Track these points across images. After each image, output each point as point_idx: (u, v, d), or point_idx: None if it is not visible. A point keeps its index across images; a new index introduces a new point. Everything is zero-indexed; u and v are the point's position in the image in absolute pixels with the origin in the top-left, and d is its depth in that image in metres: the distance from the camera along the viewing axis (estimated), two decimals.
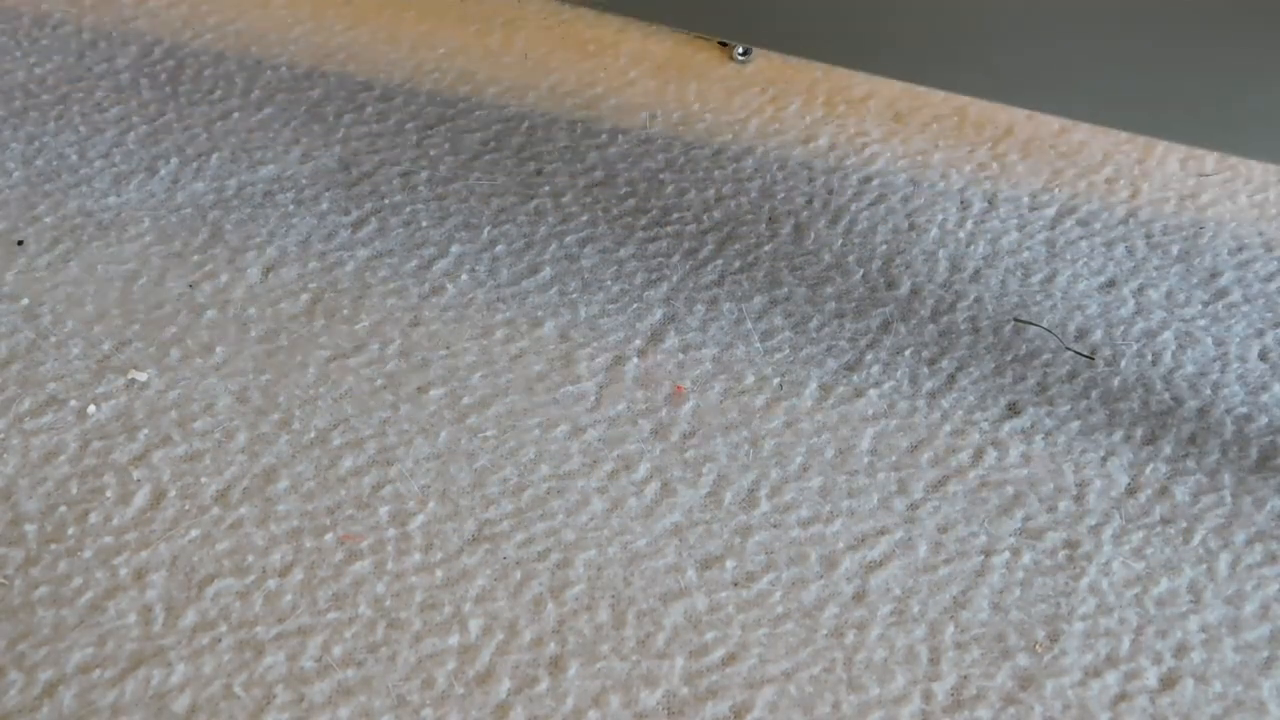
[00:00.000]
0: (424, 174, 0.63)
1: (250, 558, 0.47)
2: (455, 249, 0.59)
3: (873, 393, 0.54)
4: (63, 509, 0.49)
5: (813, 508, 0.50)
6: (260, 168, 0.63)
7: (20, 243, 0.59)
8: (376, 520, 0.49)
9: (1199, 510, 0.50)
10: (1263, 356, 0.56)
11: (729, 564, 0.48)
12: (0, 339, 0.55)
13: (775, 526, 0.49)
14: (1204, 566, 0.48)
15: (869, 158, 0.65)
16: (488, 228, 0.60)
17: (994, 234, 0.61)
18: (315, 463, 0.50)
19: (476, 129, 0.66)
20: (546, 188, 0.62)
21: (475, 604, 0.46)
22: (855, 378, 0.54)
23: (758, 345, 0.56)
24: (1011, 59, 0.52)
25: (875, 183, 0.63)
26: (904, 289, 0.58)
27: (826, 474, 0.51)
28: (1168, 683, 0.45)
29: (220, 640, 0.45)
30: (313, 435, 0.51)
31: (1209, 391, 0.54)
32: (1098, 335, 0.56)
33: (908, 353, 0.56)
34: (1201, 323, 0.57)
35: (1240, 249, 0.61)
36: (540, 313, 0.56)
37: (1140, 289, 0.59)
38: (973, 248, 0.60)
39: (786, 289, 0.58)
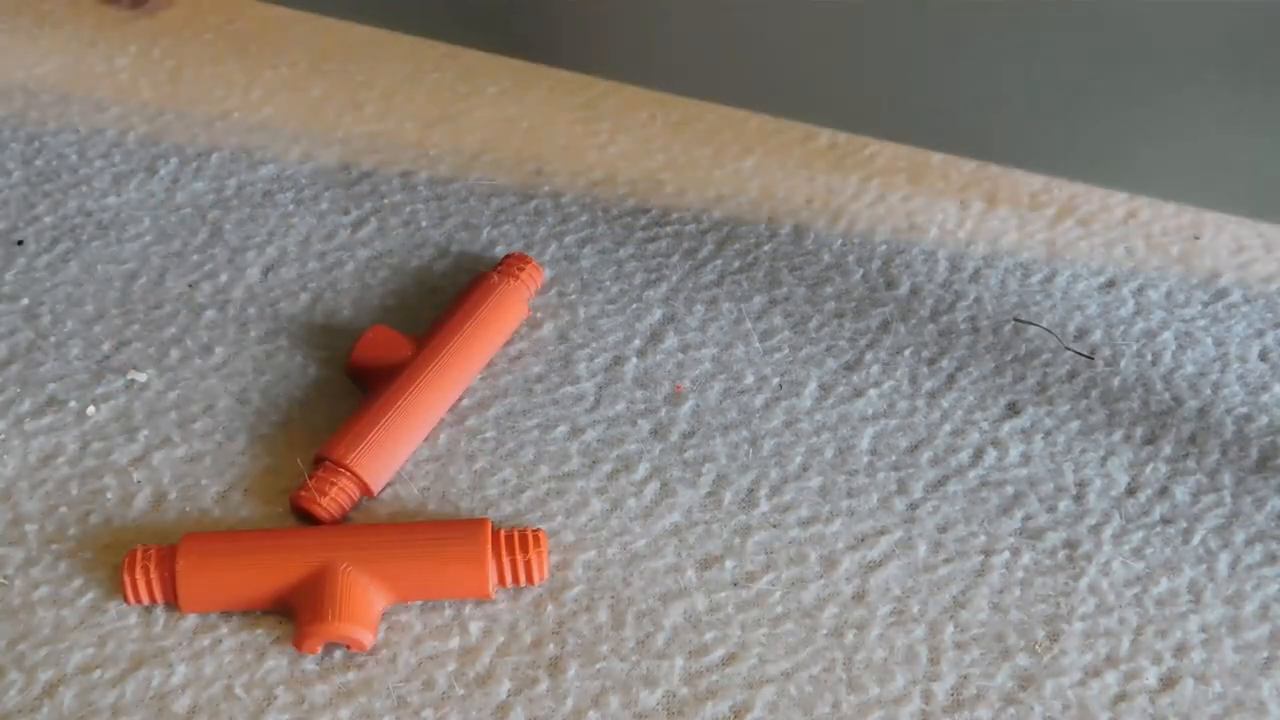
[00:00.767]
0: (424, 174, 0.63)
1: None
2: (455, 249, 0.59)
3: (872, 392, 0.54)
4: (63, 509, 0.49)
5: (812, 508, 0.50)
6: (260, 168, 0.63)
7: (20, 243, 0.59)
8: None
9: (1199, 510, 0.50)
10: (1263, 357, 0.56)
11: (729, 564, 0.48)
12: (0, 339, 0.55)
13: (775, 526, 0.49)
14: (1204, 566, 0.48)
15: (868, 157, 0.65)
16: (487, 228, 0.60)
17: (993, 234, 0.61)
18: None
19: (476, 129, 0.66)
20: (546, 188, 0.62)
21: (475, 606, 0.46)
22: (855, 377, 0.54)
23: (757, 345, 0.56)
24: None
25: (875, 182, 0.63)
26: (904, 289, 0.58)
27: (826, 474, 0.51)
28: (1168, 683, 0.45)
29: (221, 641, 0.45)
30: (313, 436, 0.51)
31: (1209, 391, 0.54)
32: (1097, 335, 0.56)
33: (907, 352, 0.56)
34: (1201, 323, 0.57)
35: (1240, 249, 0.61)
36: (539, 314, 0.56)
37: (1140, 289, 0.59)
38: (972, 248, 0.60)
39: (786, 289, 0.58)
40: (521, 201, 0.62)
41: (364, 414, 0.50)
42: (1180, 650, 0.46)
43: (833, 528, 0.49)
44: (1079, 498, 0.50)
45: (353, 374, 0.53)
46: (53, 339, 0.55)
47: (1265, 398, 0.54)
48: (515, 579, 0.46)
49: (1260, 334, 0.57)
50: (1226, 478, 0.51)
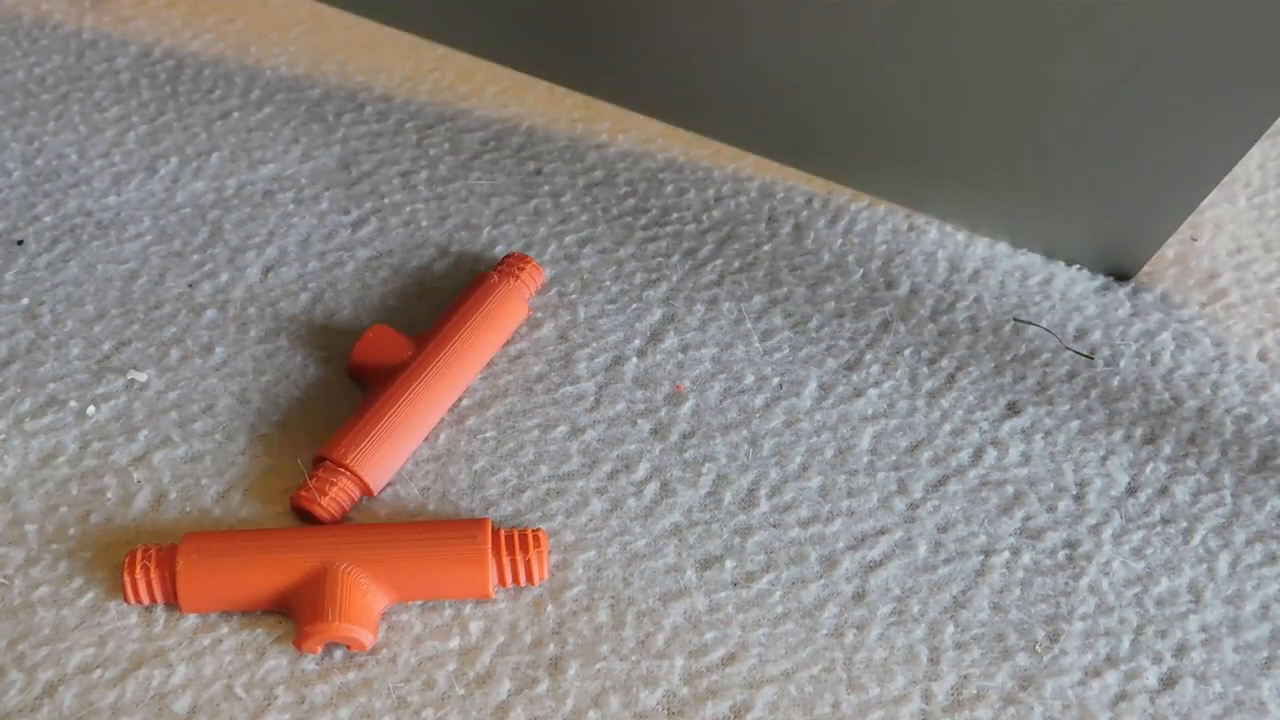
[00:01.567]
0: (424, 174, 0.63)
1: None
2: (455, 249, 0.59)
3: (872, 392, 0.54)
4: (63, 509, 0.49)
5: (812, 507, 0.50)
6: (260, 167, 0.63)
7: (20, 243, 0.59)
8: None
9: (1199, 510, 0.50)
10: (1262, 357, 0.56)
11: (729, 564, 0.48)
12: (0, 339, 0.55)
13: (775, 526, 0.49)
14: (1204, 566, 0.48)
15: None
16: (487, 228, 0.60)
17: (993, 234, 0.61)
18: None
19: (476, 129, 0.66)
20: (546, 188, 0.62)
21: (475, 606, 0.46)
22: (855, 377, 0.54)
23: (757, 345, 0.56)
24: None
25: None
26: (903, 289, 0.58)
27: (826, 474, 0.51)
28: (1168, 683, 0.45)
29: (221, 641, 0.45)
30: (313, 436, 0.51)
31: (1209, 391, 0.54)
32: (1096, 335, 0.56)
33: (907, 352, 0.56)
34: (1200, 323, 0.57)
35: (1239, 250, 0.61)
36: (539, 314, 0.56)
37: (1135, 291, 0.59)
38: (971, 249, 0.60)
39: (786, 289, 0.58)
40: (521, 201, 0.62)
41: (364, 414, 0.50)
42: (1180, 650, 0.46)
43: (833, 528, 0.49)
44: (1079, 497, 0.50)
45: (353, 374, 0.53)
46: (53, 339, 0.55)
47: (1265, 398, 0.54)
48: (515, 579, 0.46)
49: (1260, 334, 0.57)
50: (1226, 478, 0.51)
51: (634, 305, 0.57)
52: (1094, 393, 0.54)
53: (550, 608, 0.46)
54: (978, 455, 0.52)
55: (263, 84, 0.68)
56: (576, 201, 0.62)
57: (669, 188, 0.63)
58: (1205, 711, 0.44)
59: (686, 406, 0.53)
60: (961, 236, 0.61)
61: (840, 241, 0.60)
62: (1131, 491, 0.51)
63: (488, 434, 0.52)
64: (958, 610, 0.47)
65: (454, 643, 0.45)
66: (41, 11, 0.72)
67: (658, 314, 0.57)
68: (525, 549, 0.46)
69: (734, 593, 0.47)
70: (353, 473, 0.48)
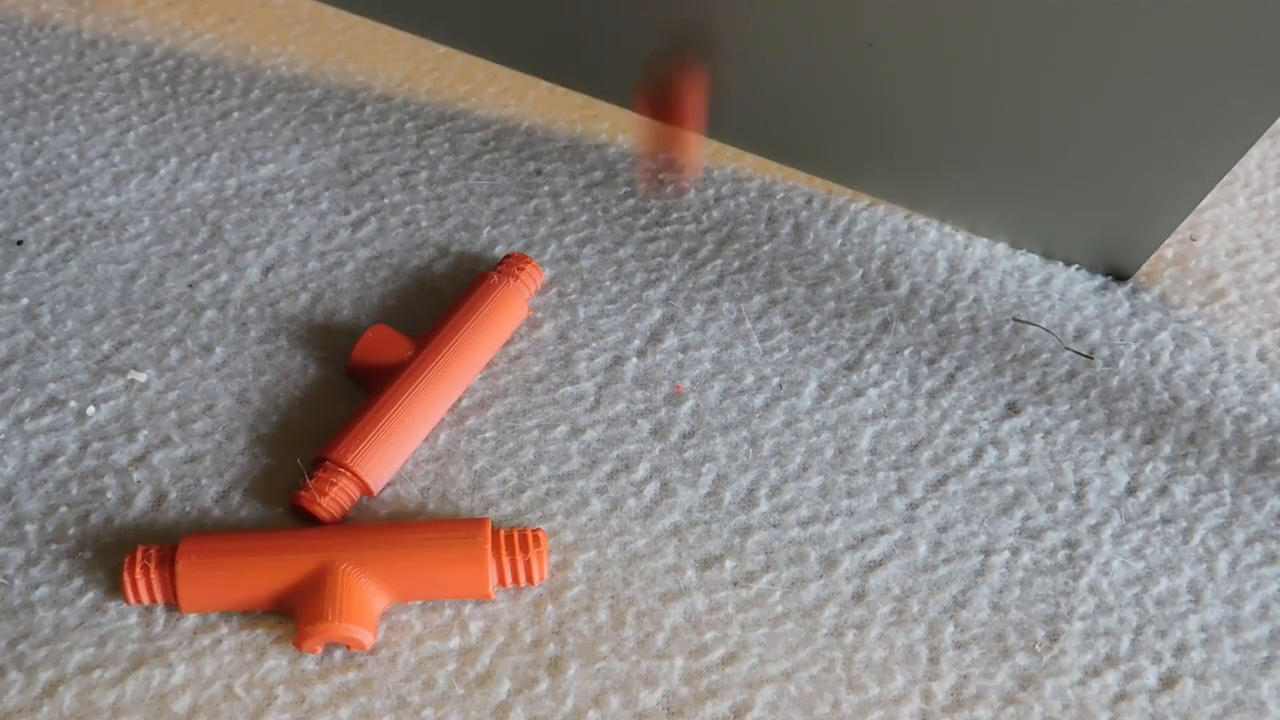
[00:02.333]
0: (424, 174, 0.63)
1: None
2: (455, 249, 0.59)
3: (872, 392, 0.54)
4: (63, 509, 0.49)
5: (812, 507, 0.50)
6: (260, 167, 0.63)
7: (20, 243, 0.59)
8: None
9: (1199, 510, 0.50)
10: (1261, 357, 0.56)
11: (728, 564, 0.48)
12: (0, 339, 0.55)
13: (775, 526, 0.49)
14: (1204, 566, 0.48)
15: None
16: (487, 228, 0.60)
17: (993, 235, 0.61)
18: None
19: (476, 129, 0.66)
20: (546, 188, 0.62)
21: (475, 606, 0.46)
22: (855, 377, 0.54)
23: (757, 345, 0.56)
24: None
25: None
26: (903, 289, 0.58)
27: (826, 474, 0.51)
28: (1168, 683, 0.45)
29: (221, 641, 0.45)
30: (313, 436, 0.51)
31: (1208, 391, 0.54)
32: (1096, 335, 0.56)
33: (907, 352, 0.56)
34: (1199, 323, 0.57)
35: (1238, 250, 0.61)
36: (539, 314, 0.56)
37: (1134, 290, 0.59)
38: (970, 249, 0.60)
39: (786, 289, 0.58)
40: (521, 201, 0.62)
41: (364, 414, 0.50)
42: (1180, 650, 0.46)
43: (833, 528, 0.49)
44: (1079, 497, 0.50)
45: (353, 374, 0.53)
46: (53, 339, 0.55)
47: (1264, 397, 0.54)
48: (515, 579, 0.46)
49: (1259, 334, 0.57)
50: (1226, 477, 0.51)
51: (634, 305, 0.57)
52: (1093, 393, 0.54)
53: (550, 608, 0.46)
54: (978, 455, 0.52)
55: (263, 84, 0.68)
56: (576, 201, 0.62)
57: (668, 188, 0.63)
58: (1205, 711, 0.44)
59: (686, 406, 0.53)
60: (961, 237, 0.61)
61: (840, 241, 0.60)
62: (1131, 491, 0.51)
63: (488, 434, 0.52)
64: (958, 610, 0.47)
65: (454, 643, 0.45)
66: (41, 11, 0.72)
67: (658, 314, 0.57)
68: (525, 549, 0.46)
69: (734, 593, 0.47)
70: (353, 473, 0.48)
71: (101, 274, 0.57)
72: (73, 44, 0.70)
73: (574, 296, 0.57)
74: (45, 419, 0.52)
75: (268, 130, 0.65)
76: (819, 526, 0.49)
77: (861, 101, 0.57)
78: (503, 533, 0.46)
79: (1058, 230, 0.59)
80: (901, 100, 0.56)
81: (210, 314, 0.56)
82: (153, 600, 0.45)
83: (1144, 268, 0.59)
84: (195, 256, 0.58)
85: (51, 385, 0.53)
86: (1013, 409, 0.54)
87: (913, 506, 0.50)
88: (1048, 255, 0.60)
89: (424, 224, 0.60)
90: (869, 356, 0.55)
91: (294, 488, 0.49)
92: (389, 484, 0.50)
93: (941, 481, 0.51)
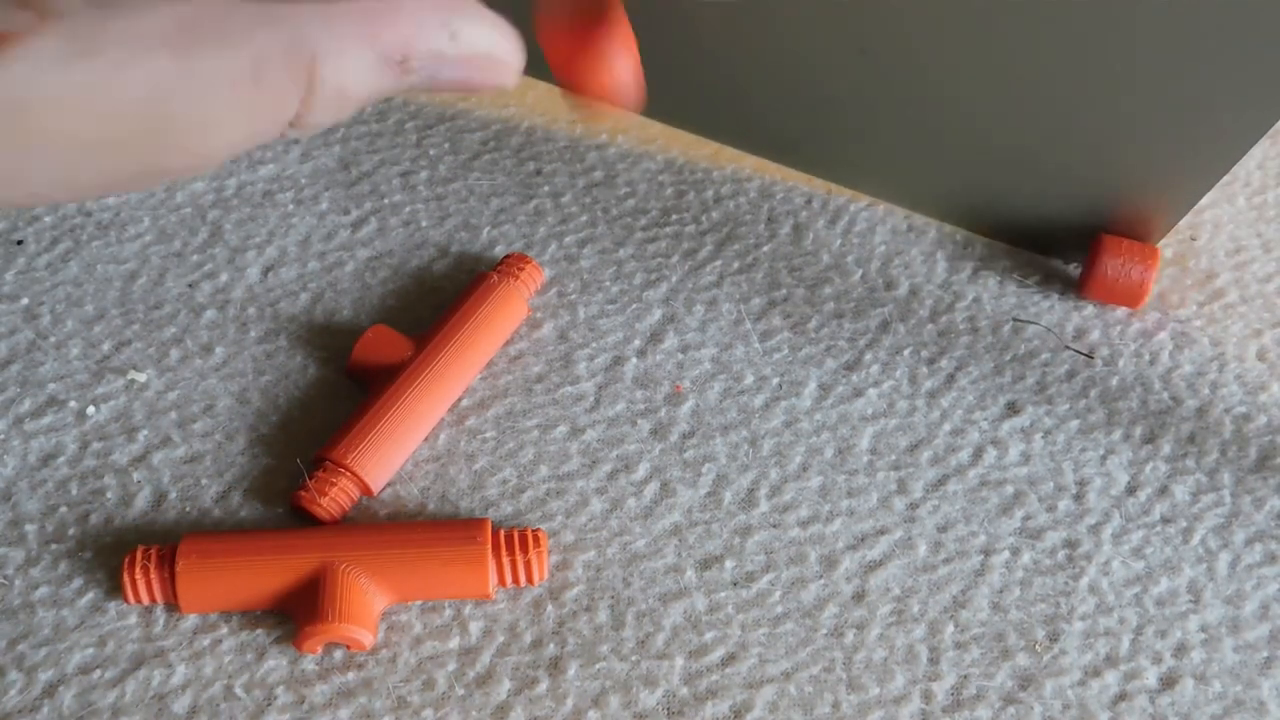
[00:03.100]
0: (424, 174, 0.63)
1: None
2: (455, 249, 0.59)
3: (872, 392, 0.54)
4: (63, 509, 0.49)
5: (812, 507, 0.50)
6: (260, 167, 0.63)
7: (20, 243, 0.59)
8: None
9: (1199, 510, 0.50)
10: (1260, 356, 0.56)
11: (728, 564, 0.48)
12: (0, 339, 0.55)
13: (775, 526, 0.49)
14: (1204, 566, 0.48)
15: None
16: (487, 228, 0.60)
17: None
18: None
19: (476, 129, 0.66)
20: (546, 188, 0.62)
21: (475, 606, 0.46)
22: (854, 377, 0.54)
23: (757, 345, 0.56)
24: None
25: None
26: (903, 289, 0.58)
27: (826, 474, 0.51)
28: (1168, 683, 0.45)
29: (221, 641, 0.45)
30: (313, 436, 0.51)
31: (1207, 391, 0.54)
32: (1095, 335, 0.57)
33: (907, 352, 0.56)
34: (1198, 323, 0.57)
35: (1238, 250, 0.61)
36: (539, 314, 0.56)
37: None
38: (971, 249, 0.60)
39: (785, 289, 0.58)
40: (521, 201, 0.62)
41: (364, 414, 0.50)
42: (1180, 650, 0.46)
43: (833, 528, 0.49)
44: (1079, 497, 0.50)
45: (353, 374, 0.53)
46: (53, 339, 0.55)
47: (1263, 397, 0.54)
48: (515, 579, 0.46)
49: (1258, 334, 0.57)
50: (1226, 477, 0.51)
51: (634, 306, 0.57)
52: (1093, 392, 0.54)
53: (550, 608, 0.46)
54: (977, 455, 0.52)
55: None
56: (576, 202, 0.62)
57: (669, 189, 0.63)
58: (1205, 711, 0.44)
59: (686, 407, 0.53)
60: (961, 236, 0.61)
61: (840, 242, 0.60)
62: (1131, 491, 0.51)
63: (488, 434, 0.52)
64: (958, 610, 0.47)
65: (454, 643, 0.45)
66: None
67: (657, 314, 0.57)
68: (525, 549, 0.46)
69: (734, 593, 0.47)
70: (353, 473, 0.48)
71: (101, 274, 0.57)
72: None
73: (574, 296, 0.57)
74: (45, 419, 0.52)
75: None
76: (819, 526, 0.49)
77: (858, 102, 0.57)
78: (503, 533, 0.46)
79: (1057, 230, 0.59)
80: (898, 101, 0.56)
81: (210, 314, 0.56)
82: (153, 600, 0.45)
83: None
84: (195, 256, 0.58)
85: (51, 385, 0.53)
86: (1013, 409, 0.54)
87: (913, 506, 0.50)
88: (1047, 255, 0.60)
89: (424, 224, 0.60)
90: (869, 357, 0.55)
91: (294, 488, 0.49)
92: (389, 484, 0.50)
93: (941, 481, 0.51)
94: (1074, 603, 0.47)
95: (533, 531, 0.46)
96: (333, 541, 0.46)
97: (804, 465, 0.51)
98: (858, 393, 0.54)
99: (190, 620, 0.46)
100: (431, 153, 0.64)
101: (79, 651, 0.45)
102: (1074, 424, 0.53)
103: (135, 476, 0.50)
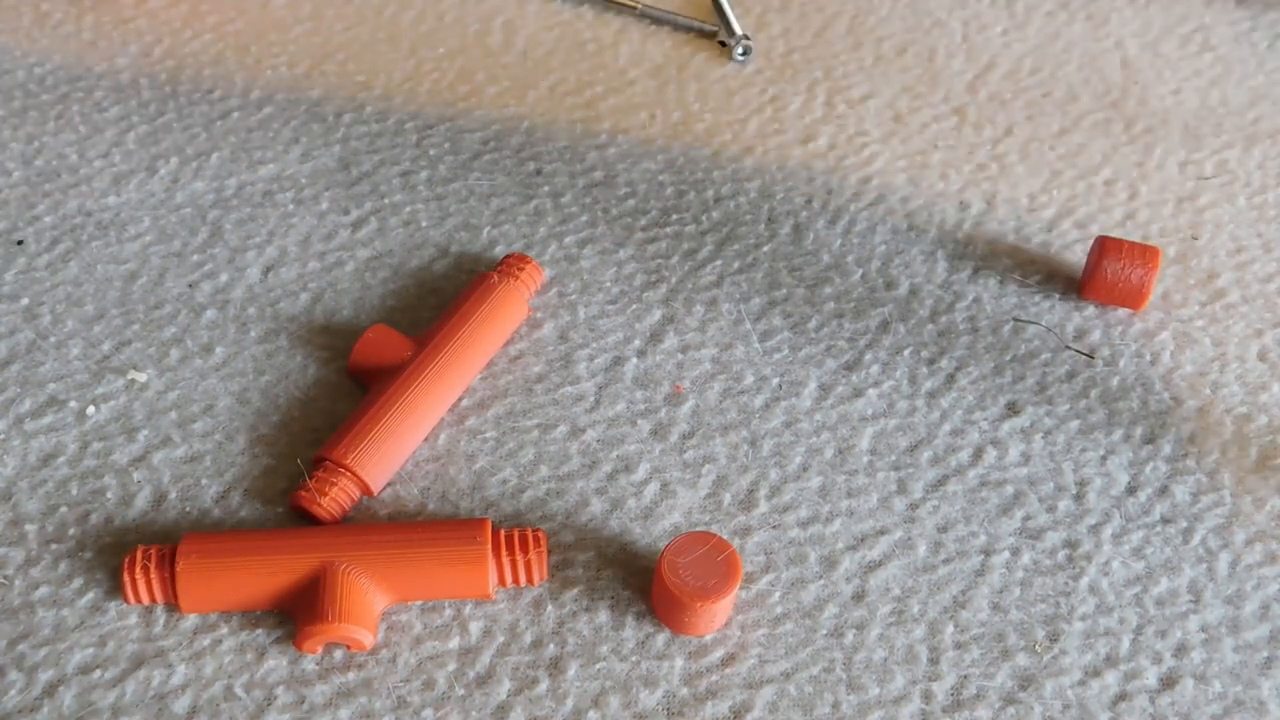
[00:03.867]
0: (424, 174, 0.63)
1: None
2: (455, 249, 0.59)
3: (872, 392, 0.54)
4: (63, 509, 0.49)
5: (812, 508, 0.50)
6: (260, 167, 0.63)
7: (20, 242, 0.59)
8: None
9: (1199, 510, 0.50)
10: (1261, 356, 0.56)
11: None
12: (0, 339, 0.55)
13: (774, 527, 0.49)
14: (1204, 566, 0.48)
15: (868, 158, 0.65)
16: (487, 228, 0.60)
17: (992, 235, 0.61)
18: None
19: (476, 129, 0.66)
20: (546, 188, 0.63)
21: (475, 606, 0.46)
22: (854, 377, 0.54)
23: (757, 345, 0.56)
24: None
25: (874, 183, 0.63)
26: (903, 289, 0.58)
27: (826, 474, 0.51)
28: (1168, 683, 0.45)
29: (221, 641, 0.45)
30: (313, 436, 0.51)
31: (1208, 391, 0.54)
32: (1096, 335, 0.57)
33: (907, 352, 0.56)
34: (1199, 323, 0.57)
35: (1239, 250, 0.61)
36: (539, 314, 0.56)
37: None
38: (971, 248, 0.60)
39: (785, 289, 0.58)
40: (521, 201, 0.62)
41: (364, 414, 0.50)
42: (1180, 650, 0.46)
43: (833, 528, 0.49)
44: (1079, 497, 0.50)
45: (353, 374, 0.53)
46: (53, 339, 0.55)
47: (1264, 397, 0.54)
48: (515, 579, 0.46)
49: (1259, 334, 0.57)
50: (1226, 477, 0.51)
51: (634, 306, 0.57)
52: (1094, 392, 0.54)
53: (550, 608, 0.46)
54: (977, 455, 0.52)
55: (263, 84, 0.68)
56: (576, 202, 0.62)
57: (669, 189, 0.63)
58: (1205, 711, 0.44)
59: (686, 407, 0.53)
60: (961, 236, 0.61)
61: (840, 242, 0.60)
62: (1131, 491, 0.51)
63: (488, 434, 0.52)
64: (958, 610, 0.47)
65: (454, 643, 0.45)
66: (41, 11, 0.72)
67: (657, 315, 0.57)
68: (525, 549, 0.46)
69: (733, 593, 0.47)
70: (353, 473, 0.48)
71: (101, 274, 0.57)
72: (73, 44, 0.70)
73: (574, 296, 0.57)
74: (45, 419, 0.52)
75: (268, 130, 0.65)
76: (819, 527, 0.49)
77: None
78: (503, 533, 0.46)
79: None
80: None
81: (210, 314, 0.56)
82: (153, 600, 0.45)
83: None
84: (195, 256, 0.58)
85: (51, 385, 0.53)
86: (1013, 409, 0.54)
87: (913, 506, 0.50)
88: (1045, 252, 0.60)
89: (424, 224, 0.60)
90: (869, 357, 0.55)
91: (294, 488, 0.49)
92: (389, 484, 0.50)
93: (941, 481, 0.51)
94: (1074, 603, 0.47)
95: (533, 531, 0.46)
96: (333, 541, 0.46)
97: (804, 466, 0.51)
98: (858, 393, 0.54)
99: (190, 620, 0.46)
100: (431, 153, 0.64)
101: (79, 651, 0.45)
102: (1074, 424, 0.53)
103: (135, 476, 0.50)
